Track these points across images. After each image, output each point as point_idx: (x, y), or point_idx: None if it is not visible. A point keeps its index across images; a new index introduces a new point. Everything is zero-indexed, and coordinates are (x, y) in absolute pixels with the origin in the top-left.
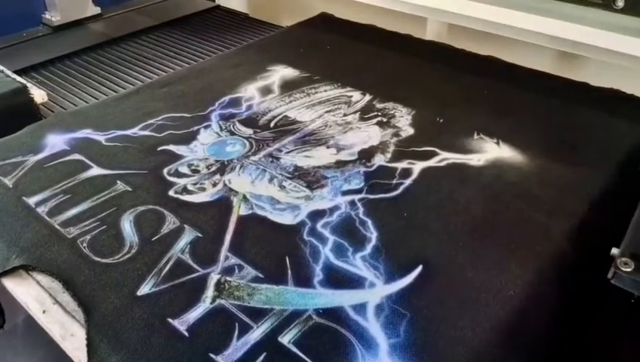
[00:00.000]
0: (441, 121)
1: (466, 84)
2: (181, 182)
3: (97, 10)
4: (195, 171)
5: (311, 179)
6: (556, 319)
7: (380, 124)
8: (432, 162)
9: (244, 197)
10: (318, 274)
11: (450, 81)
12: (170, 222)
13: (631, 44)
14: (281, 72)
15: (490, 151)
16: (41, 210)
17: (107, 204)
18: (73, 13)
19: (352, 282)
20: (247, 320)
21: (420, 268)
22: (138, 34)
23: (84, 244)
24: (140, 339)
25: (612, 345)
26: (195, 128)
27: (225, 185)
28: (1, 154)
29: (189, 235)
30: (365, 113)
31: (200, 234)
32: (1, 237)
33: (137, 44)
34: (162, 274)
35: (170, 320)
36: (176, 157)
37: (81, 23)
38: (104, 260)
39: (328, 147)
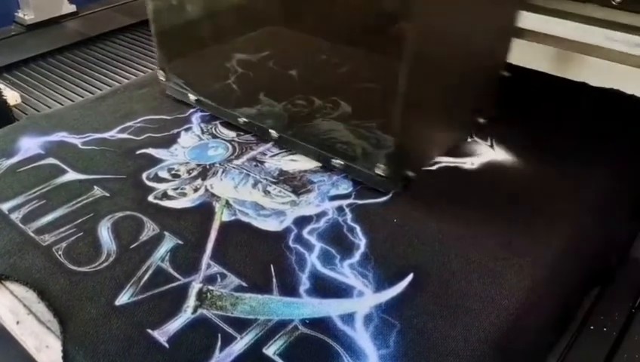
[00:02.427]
0: None
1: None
2: (161, 187)
3: (73, 8)
4: (176, 176)
5: (297, 183)
6: (552, 329)
7: None
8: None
9: (227, 202)
10: (305, 283)
11: None
12: (150, 228)
13: (630, 41)
14: None
15: (484, 154)
16: (15, 217)
17: (84, 210)
18: (47, 11)
19: (339, 291)
20: (230, 330)
21: (410, 277)
22: (115, 33)
23: (60, 252)
24: (119, 351)
25: (609, 353)
26: (176, 131)
27: (207, 190)
28: None
29: (169, 242)
30: None
31: (181, 242)
32: None
33: (115, 43)
34: (141, 283)
35: (149, 330)
36: (156, 161)
37: (55, 21)
38: (81, 269)
39: None
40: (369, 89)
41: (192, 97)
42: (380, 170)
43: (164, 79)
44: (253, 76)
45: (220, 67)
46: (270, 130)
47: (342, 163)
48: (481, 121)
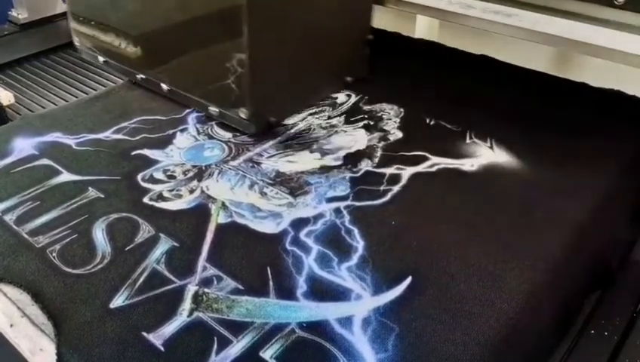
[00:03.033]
0: (432, 124)
1: (458, 85)
2: (156, 188)
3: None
4: (171, 177)
5: (294, 185)
6: (552, 333)
7: (366, 127)
8: (421, 167)
9: (223, 204)
10: (302, 286)
11: (441, 82)
12: (145, 230)
13: (633, 41)
14: None
15: (483, 156)
16: (9, 218)
17: (78, 211)
18: (41, 10)
19: (337, 294)
20: (226, 334)
21: (409, 280)
22: None
23: (54, 254)
24: (113, 354)
25: (610, 358)
26: (171, 131)
27: (202, 191)
28: None
29: (164, 245)
30: (351, 116)
31: (176, 244)
32: None
33: None
34: (136, 286)
35: (144, 334)
36: (151, 162)
37: (50, 20)
38: (75, 271)
39: (312, 151)
40: (223, 41)
41: (101, 59)
42: (243, 113)
43: (78, 44)
44: (144, 35)
45: (118, 29)
46: (162, 84)
47: (216, 110)
48: (349, 79)
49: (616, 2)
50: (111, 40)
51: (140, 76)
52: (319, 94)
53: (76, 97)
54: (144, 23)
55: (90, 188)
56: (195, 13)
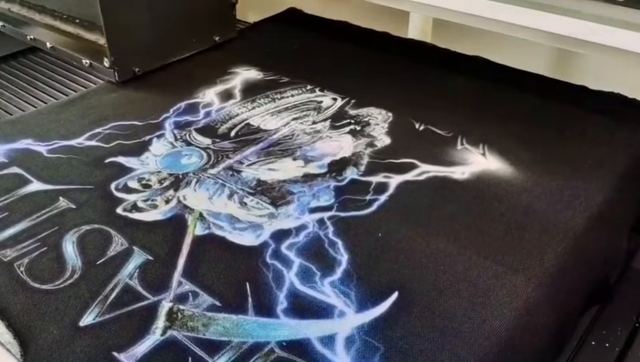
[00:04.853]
0: (421, 129)
1: (450, 88)
2: (130, 198)
3: None
4: (146, 186)
5: (275, 194)
6: (548, 351)
7: (352, 132)
8: (410, 175)
9: (201, 215)
10: (282, 302)
11: (431, 85)
12: (118, 243)
13: (634, 40)
14: (244, 75)
15: (475, 163)
16: None
17: (48, 223)
18: None
19: (319, 311)
20: (201, 353)
21: (395, 295)
22: None
23: (22, 268)
24: None
25: None
26: (147, 138)
27: (179, 201)
28: None
29: (138, 258)
30: (337, 120)
31: (150, 257)
32: None
33: None
34: (108, 302)
35: (115, 353)
36: (126, 170)
37: None
38: (43, 286)
39: (295, 159)
40: None
41: None
42: (107, 63)
43: None
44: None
45: None
46: (47, 43)
47: (88, 62)
48: (217, 39)
49: None
50: (6, 6)
51: (29, 37)
52: (187, 49)
53: (50, 102)
54: None
55: (61, 198)
56: None
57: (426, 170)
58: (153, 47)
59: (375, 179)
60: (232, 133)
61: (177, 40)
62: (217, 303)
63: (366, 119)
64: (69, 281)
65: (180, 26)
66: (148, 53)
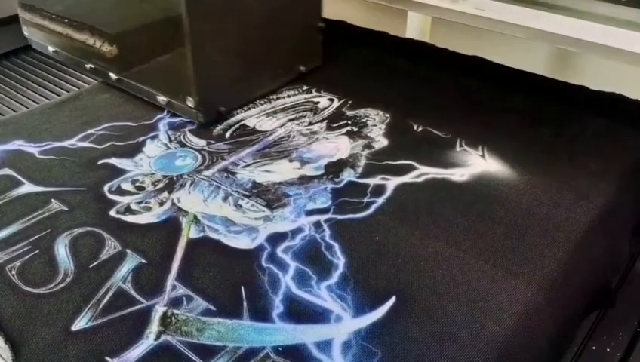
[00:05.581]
0: (420, 130)
1: (448, 88)
2: (124, 200)
3: None
4: (140, 188)
5: (271, 197)
6: (548, 357)
7: (349, 134)
8: (408, 178)
9: (195, 217)
10: (278, 307)
11: (429, 86)
12: (111, 246)
13: (636, 40)
14: None
15: (474, 165)
16: None
17: (40, 225)
18: (5, 7)
19: (316, 315)
20: (196, 359)
21: (393, 300)
22: None
23: (13, 272)
24: None
25: None
26: (141, 139)
27: (173, 204)
28: None
29: (131, 261)
30: (333, 122)
31: (144, 261)
32: None
33: None
34: (101, 306)
35: (108, 358)
36: (119, 172)
37: (15, 18)
38: (35, 290)
39: (291, 160)
40: (167, 29)
41: (50, 49)
42: (190, 102)
43: (27, 34)
44: (93, 24)
45: (66, 18)
46: (110, 73)
47: (165, 99)
48: (302, 69)
49: None
50: (60, 30)
51: (88, 65)
52: (272, 83)
53: (40, 102)
54: (91, 12)
55: (53, 200)
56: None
57: (424, 172)
58: (239, 83)
59: (372, 181)
60: (227, 135)
61: (262, 73)
62: (212, 307)
63: (363, 120)
64: (62, 285)
65: (267, 57)
66: (233, 89)
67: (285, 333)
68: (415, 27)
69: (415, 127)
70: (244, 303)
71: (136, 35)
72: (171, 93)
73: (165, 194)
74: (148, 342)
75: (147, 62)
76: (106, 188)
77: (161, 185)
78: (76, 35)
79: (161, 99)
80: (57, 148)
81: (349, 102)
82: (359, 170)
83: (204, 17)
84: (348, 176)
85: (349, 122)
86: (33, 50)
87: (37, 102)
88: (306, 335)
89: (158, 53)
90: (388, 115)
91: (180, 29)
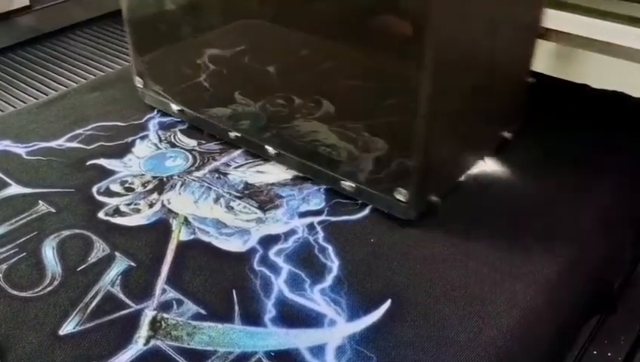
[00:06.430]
0: None
1: None
2: (113, 202)
3: (25, 1)
4: (129, 189)
5: (263, 198)
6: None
7: None
8: None
9: (186, 219)
10: (270, 311)
11: None
12: (99, 249)
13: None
14: None
15: (473, 167)
16: None
17: (27, 227)
18: None
19: (309, 319)
20: None
21: (388, 303)
22: (72, 28)
23: (0, 275)
24: None
25: None
26: (130, 139)
27: (163, 205)
28: None
29: (120, 264)
30: None
31: (133, 264)
32: None
33: (71, 40)
34: (89, 310)
35: None
36: (108, 173)
37: (6, 16)
38: (22, 294)
39: None
40: (383, 98)
41: (175, 107)
42: (400, 194)
43: (141, 86)
44: (246, 82)
45: (203, 71)
46: (266, 147)
47: (353, 185)
48: (507, 135)
49: None
50: (194, 84)
51: (234, 134)
52: (478, 156)
53: (28, 102)
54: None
55: (40, 201)
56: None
57: None
58: (450, 161)
59: None
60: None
61: (472, 144)
62: (203, 311)
63: None
64: (49, 288)
65: (479, 123)
66: (444, 169)
67: (278, 338)
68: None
69: None
70: (236, 307)
71: (316, 93)
72: (367, 179)
73: (155, 195)
74: (137, 347)
75: (330, 134)
76: (94, 189)
77: (150, 186)
78: (218, 95)
79: (348, 185)
80: (45, 149)
81: None
82: None
83: (444, 67)
84: None
85: None
86: (29, 45)
87: (24, 102)
88: (299, 339)
89: (353, 121)
90: None
91: (409, 98)
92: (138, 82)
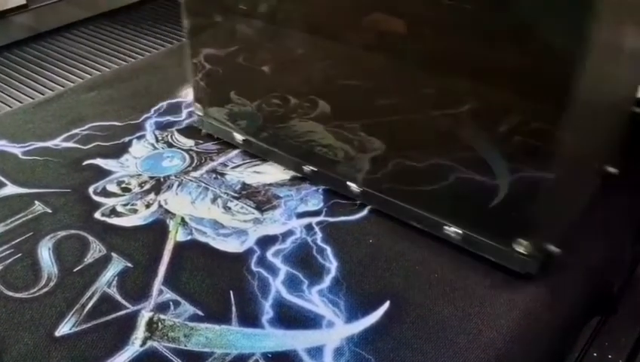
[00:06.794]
0: None
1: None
2: (109, 202)
3: (21, 0)
4: (126, 190)
5: (261, 198)
6: None
7: None
8: None
9: (183, 220)
10: (268, 312)
11: None
12: (96, 249)
13: None
14: None
15: None
16: None
17: (23, 228)
18: None
19: (307, 321)
20: None
21: (386, 305)
22: (68, 28)
23: None
24: None
25: None
26: (127, 139)
27: (160, 206)
28: None
29: (117, 265)
30: None
31: (130, 264)
32: None
33: (67, 39)
34: (85, 312)
35: None
36: (105, 173)
37: (2, 15)
38: (18, 295)
39: None
40: (509, 138)
41: (239, 137)
42: (521, 246)
43: (201, 113)
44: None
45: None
46: (348, 183)
47: (460, 232)
48: (613, 170)
49: None
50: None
51: (309, 168)
52: (588, 195)
53: (24, 101)
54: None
55: (36, 202)
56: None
57: None
58: (567, 205)
59: None
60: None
61: (584, 185)
62: (200, 313)
63: None
64: (45, 289)
65: (590, 160)
66: (560, 214)
67: (275, 339)
68: None
69: None
70: (233, 308)
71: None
72: (476, 226)
73: (152, 195)
74: (133, 348)
75: (430, 171)
76: (91, 189)
77: (147, 186)
78: (292, 124)
79: (452, 231)
80: (41, 149)
81: None
82: None
83: (575, 124)
84: None
85: None
86: (25, 45)
87: (20, 102)
88: (297, 341)
89: (461, 157)
90: None
91: (545, 143)
92: (197, 108)
